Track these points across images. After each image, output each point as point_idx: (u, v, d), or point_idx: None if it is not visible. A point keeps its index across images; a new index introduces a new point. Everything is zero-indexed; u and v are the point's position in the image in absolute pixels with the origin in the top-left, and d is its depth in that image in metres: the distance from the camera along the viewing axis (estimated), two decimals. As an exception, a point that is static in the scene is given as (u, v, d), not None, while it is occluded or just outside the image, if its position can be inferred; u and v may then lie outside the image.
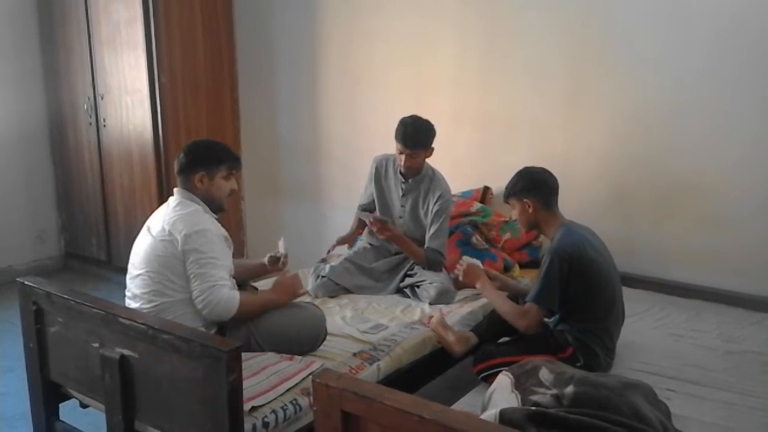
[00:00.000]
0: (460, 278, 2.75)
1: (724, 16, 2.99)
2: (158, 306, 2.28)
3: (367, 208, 3.42)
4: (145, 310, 2.28)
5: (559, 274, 2.36)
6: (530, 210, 2.50)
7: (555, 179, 2.54)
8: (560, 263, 2.36)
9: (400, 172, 3.29)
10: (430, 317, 2.80)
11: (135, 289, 2.35)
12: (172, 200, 2.42)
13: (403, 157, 3.16)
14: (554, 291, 2.38)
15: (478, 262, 2.78)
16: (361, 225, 3.46)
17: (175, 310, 2.28)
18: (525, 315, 2.47)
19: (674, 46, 3.14)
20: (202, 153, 2.46)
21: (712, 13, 3.02)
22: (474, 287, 2.72)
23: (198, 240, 2.28)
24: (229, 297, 2.29)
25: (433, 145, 3.19)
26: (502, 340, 2.64)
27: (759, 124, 2.98)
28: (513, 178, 2.57)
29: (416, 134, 3.12)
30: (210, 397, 1.84)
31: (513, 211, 2.58)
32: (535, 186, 2.50)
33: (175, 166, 2.46)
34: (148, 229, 2.39)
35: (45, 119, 5.12)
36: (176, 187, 2.46)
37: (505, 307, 2.57)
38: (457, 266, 2.76)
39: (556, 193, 2.53)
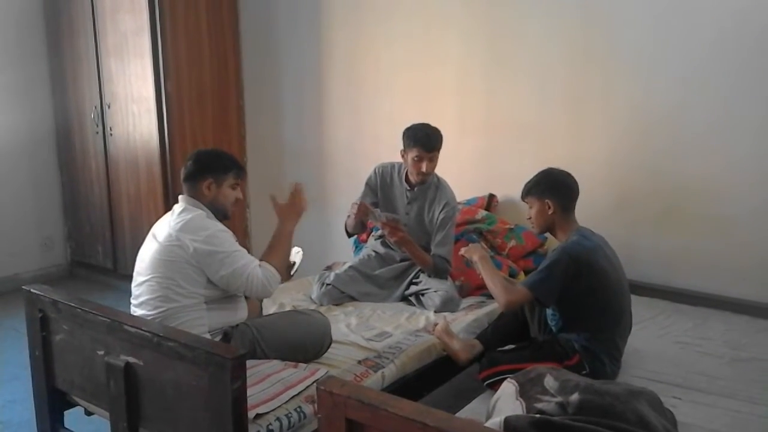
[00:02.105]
0: (461, 252, 2.73)
1: (725, 20, 2.99)
2: (165, 312, 2.28)
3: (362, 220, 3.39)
4: (151, 317, 2.28)
5: (563, 272, 2.35)
6: (549, 211, 2.47)
7: (577, 184, 2.52)
8: (568, 262, 2.35)
9: (406, 180, 3.30)
10: (435, 325, 2.80)
11: (141, 296, 2.36)
12: (177, 207, 2.43)
13: (424, 163, 3.15)
14: (553, 286, 2.37)
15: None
16: (363, 230, 3.46)
17: (182, 315, 2.28)
18: (511, 292, 2.45)
19: (676, 50, 3.14)
20: (210, 160, 2.49)
21: (713, 18, 3.02)
22: (472, 260, 2.67)
23: (212, 241, 2.30)
24: (266, 275, 2.36)
25: None
26: (507, 347, 2.64)
27: (765, 127, 2.97)
28: (536, 176, 2.54)
29: (435, 136, 3.15)
30: (214, 405, 1.84)
31: (529, 210, 2.54)
32: (557, 187, 2.48)
33: (182, 174, 2.47)
34: (154, 236, 2.40)
35: (52, 127, 5.15)
36: (181, 194, 2.47)
37: (494, 279, 2.52)
38: (462, 248, 2.76)
39: (576, 199, 2.51)
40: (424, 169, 3.16)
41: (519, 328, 2.70)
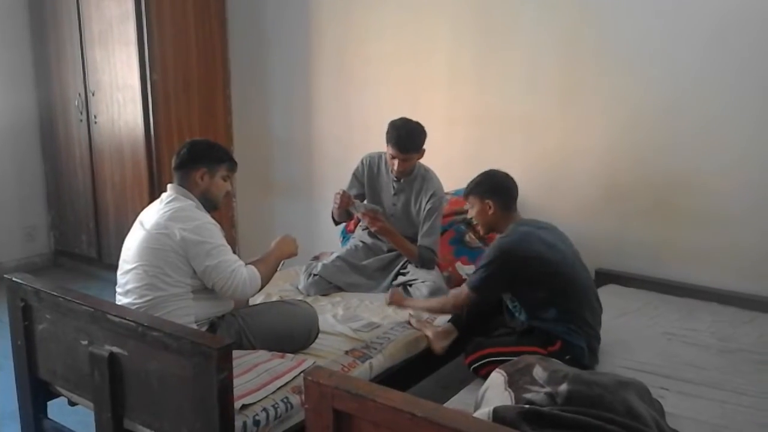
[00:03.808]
0: (387, 300, 2.97)
1: (720, 14, 2.98)
2: (151, 300, 2.26)
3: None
4: (137, 305, 2.26)
5: (499, 268, 2.44)
6: (490, 212, 2.56)
7: (516, 186, 2.62)
8: (502, 257, 2.44)
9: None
10: (411, 316, 2.83)
11: (127, 284, 2.33)
12: (166, 196, 2.40)
13: (396, 162, 3.14)
14: (493, 283, 2.48)
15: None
16: (350, 218, 3.44)
17: (168, 305, 2.26)
18: (456, 297, 2.62)
19: (669, 44, 3.12)
20: (205, 150, 2.48)
21: (707, 11, 3.01)
22: (403, 307, 2.91)
23: (201, 232, 2.29)
24: (251, 275, 2.36)
25: (424, 147, 3.19)
26: (497, 332, 2.65)
27: (754, 122, 2.97)
28: (477, 178, 2.65)
29: (409, 138, 3.12)
30: (200, 395, 1.82)
31: (471, 210, 2.65)
32: (497, 189, 2.58)
33: (174, 162, 2.45)
34: (141, 224, 2.37)
35: (35, 115, 5.09)
36: (171, 183, 2.44)
37: (431, 304, 2.79)
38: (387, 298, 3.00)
39: (515, 199, 2.61)
40: (396, 167, 3.16)
41: (492, 309, 2.70)
